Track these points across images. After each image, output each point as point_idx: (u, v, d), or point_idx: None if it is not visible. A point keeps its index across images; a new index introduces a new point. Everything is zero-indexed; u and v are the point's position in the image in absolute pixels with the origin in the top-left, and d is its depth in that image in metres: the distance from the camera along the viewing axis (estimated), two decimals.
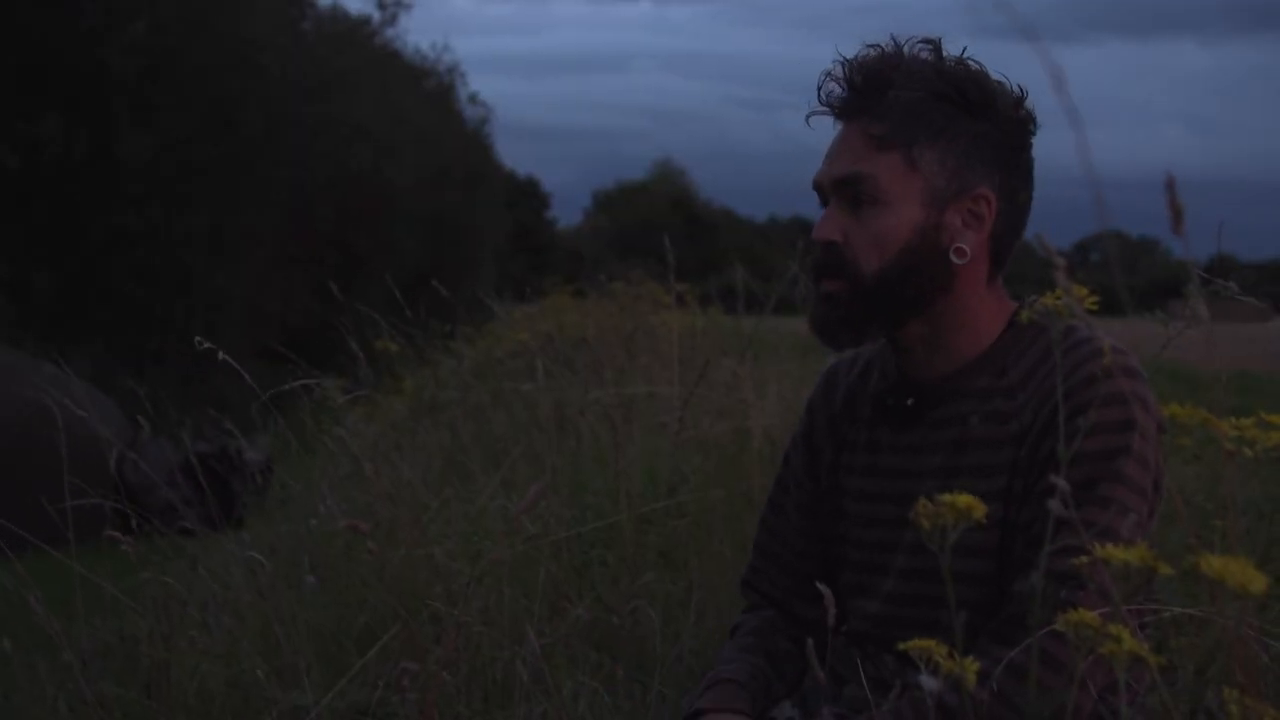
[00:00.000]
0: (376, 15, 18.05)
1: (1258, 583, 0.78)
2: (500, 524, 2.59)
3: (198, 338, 2.09)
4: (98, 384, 7.78)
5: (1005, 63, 1.36)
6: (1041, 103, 1.40)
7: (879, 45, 1.39)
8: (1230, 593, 0.79)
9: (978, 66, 1.38)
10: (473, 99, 22.01)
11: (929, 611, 1.37)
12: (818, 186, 1.42)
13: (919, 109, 1.35)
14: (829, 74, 1.40)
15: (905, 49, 1.39)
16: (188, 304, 11.86)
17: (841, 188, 1.38)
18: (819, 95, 1.41)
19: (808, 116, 1.42)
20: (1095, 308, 0.97)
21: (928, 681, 0.98)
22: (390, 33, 18.73)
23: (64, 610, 2.37)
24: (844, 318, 1.39)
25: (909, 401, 1.42)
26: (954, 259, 1.35)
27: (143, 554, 2.52)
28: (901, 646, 1.00)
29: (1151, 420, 1.28)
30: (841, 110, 1.40)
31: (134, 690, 2.44)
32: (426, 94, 19.20)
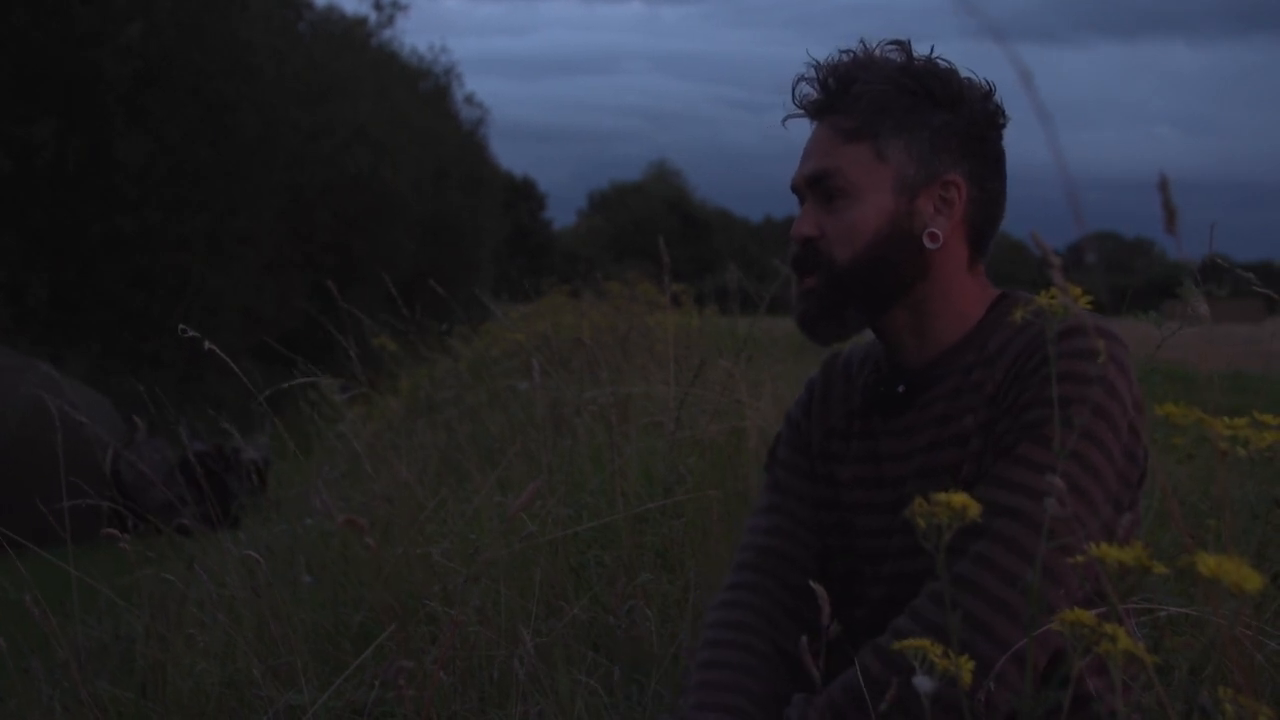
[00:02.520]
0: (373, 17, 18.06)
1: (1253, 582, 0.78)
2: (497, 523, 2.59)
3: (181, 325, 2.09)
4: (93, 384, 7.79)
5: (992, 63, 1.38)
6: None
7: (850, 49, 1.44)
8: (1226, 592, 0.79)
9: (946, 64, 1.43)
10: (469, 100, 22.04)
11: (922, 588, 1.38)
12: (794, 188, 1.46)
13: (884, 101, 1.40)
14: (802, 77, 1.45)
15: (875, 50, 1.44)
16: (184, 307, 11.85)
17: (814, 184, 1.43)
18: (793, 98, 1.46)
19: (784, 120, 1.48)
20: (1091, 309, 0.97)
21: (922, 683, 0.98)
22: (387, 34, 18.74)
23: (59, 609, 2.37)
24: (824, 309, 1.43)
25: (900, 389, 1.45)
26: (927, 244, 1.40)
27: (139, 553, 2.51)
28: (897, 646, 1.01)
29: (1128, 386, 1.29)
30: (813, 110, 1.45)
31: (130, 690, 2.44)
32: (423, 95, 19.20)
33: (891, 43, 1.44)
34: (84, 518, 2.60)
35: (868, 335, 1.52)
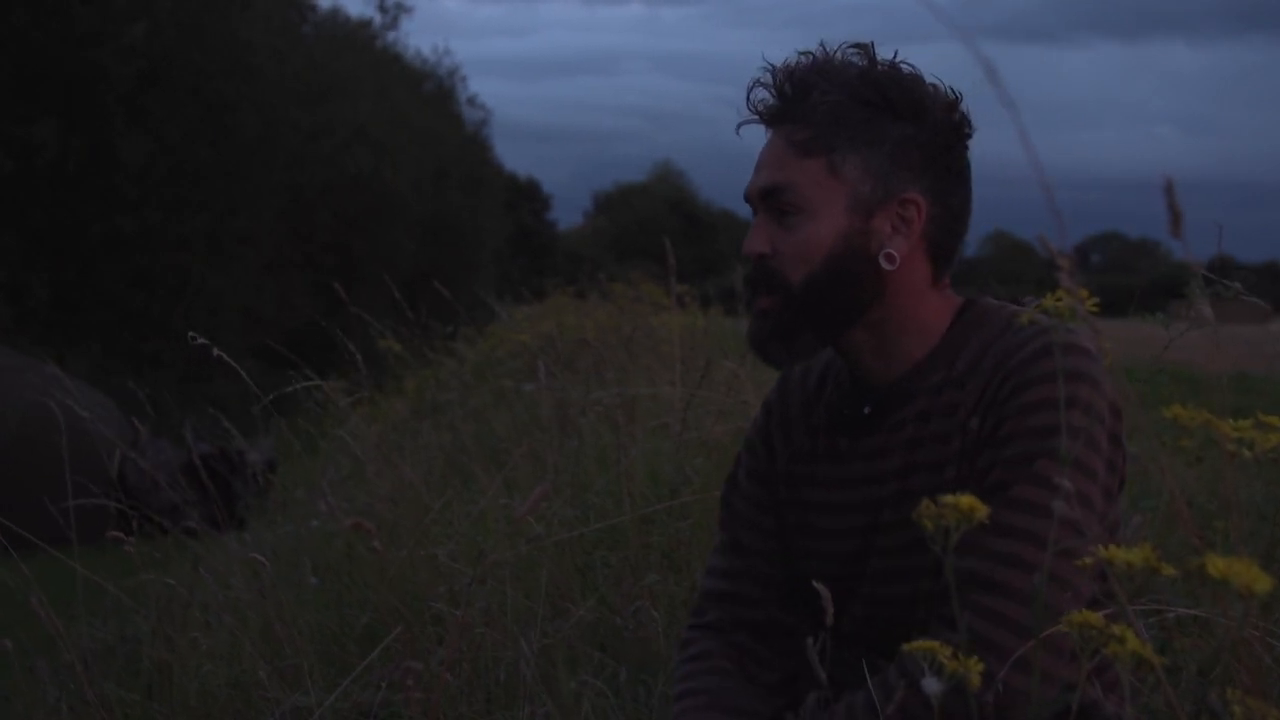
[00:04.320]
0: (378, 18, 18.08)
1: (1263, 584, 0.78)
2: (503, 525, 2.59)
3: (191, 333, 2.09)
4: (96, 385, 7.79)
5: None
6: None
7: (809, 52, 1.37)
8: (1235, 594, 0.79)
9: (910, 70, 1.36)
10: (471, 101, 22.06)
11: (905, 611, 1.36)
12: (747, 198, 1.39)
13: (841, 113, 1.33)
14: (758, 81, 1.37)
15: (835, 54, 1.36)
16: (185, 307, 11.86)
17: (767, 198, 1.36)
18: (748, 103, 1.38)
19: (738, 126, 1.40)
20: (1097, 310, 0.97)
21: (929, 684, 0.98)
22: (391, 36, 18.76)
23: (65, 611, 2.38)
24: (775, 331, 1.36)
25: (865, 410, 1.40)
26: (884, 265, 1.33)
27: (144, 555, 2.52)
28: (907, 647, 1.01)
29: (1101, 398, 1.26)
30: (768, 118, 1.38)
31: (135, 691, 2.45)
32: (426, 96, 19.22)
33: (853, 46, 1.36)
34: (90, 519, 2.61)
35: (825, 352, 1.46)
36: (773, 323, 1.36)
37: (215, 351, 2.10)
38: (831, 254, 1.33)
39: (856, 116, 1.33)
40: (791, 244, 1.34)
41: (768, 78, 1.37)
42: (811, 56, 1.36)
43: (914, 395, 1.36)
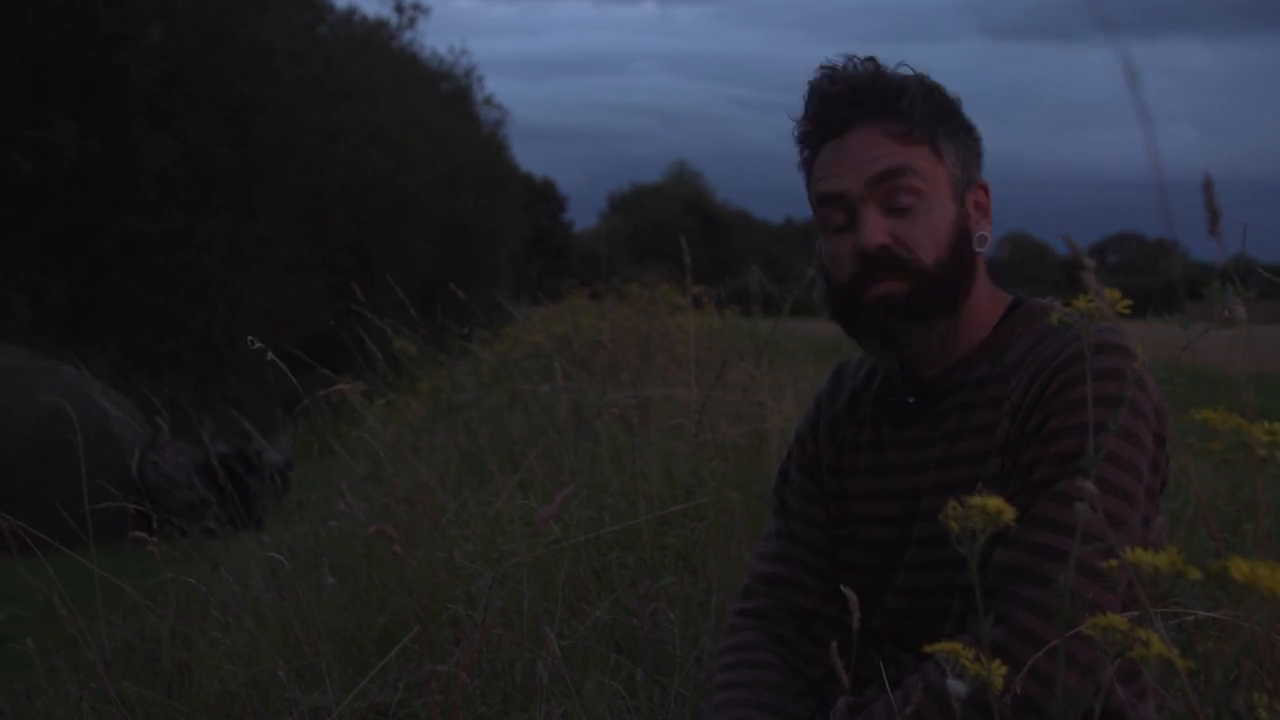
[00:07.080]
0: (394, 19, 18.12)
1: None
2: (519, 526, 2.59)
3: (250, 337, 2.09)
4: (115, 386, 7.83)
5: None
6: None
7: (829, 65, 1.42)
8: (1260, 597, 0.79)
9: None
10: (488, 101, 22.08)
11: (940, 601, 1.37)
12: (842, 196, 1.39)
13: (932, 105, 1.41)
14: (824, 93, 1.41)
15: (850, 63, 1.43)
16: (204, 308, 11.90)
17: (880, 185, 1.37)
18: (823, 111, 1.41)
19: (811, 133, 1.43)
20: (1127, 311, 0.97)
21: (954, 685, 0.98)
22: (408, 36, 18.80)
23: (86, 610, 2.39)
24: (911, 313, 1.37)
25: (910, 399, 1.43)
26: (976, 247, 1.40)
27: (164, 554, 2.53)
28: (928, 649, 1.00)
29: (1148, 399, 1.29)
30: (861, 116, 1.39)
31: (155, 690, 2.46)
32: (443, 97, 19.24)
33: (867, 58, 1.42)
34: (109, 519, 2.62)
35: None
36: (903, 306, 1.37)
37: (269, 356, 2.10)
38: (951, 234, 1.39)
39: (943, 108, 1.41)
40: (919, 228, 1.37)
41: (837, 85, 1.40)
42: (856, 64, 1.41)
43: (959, 387, 1.39)
